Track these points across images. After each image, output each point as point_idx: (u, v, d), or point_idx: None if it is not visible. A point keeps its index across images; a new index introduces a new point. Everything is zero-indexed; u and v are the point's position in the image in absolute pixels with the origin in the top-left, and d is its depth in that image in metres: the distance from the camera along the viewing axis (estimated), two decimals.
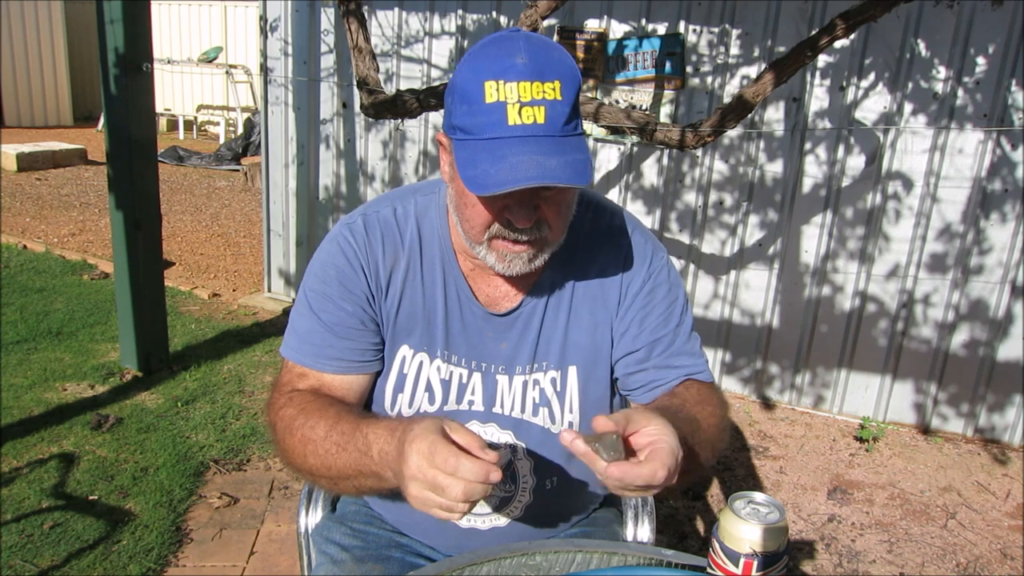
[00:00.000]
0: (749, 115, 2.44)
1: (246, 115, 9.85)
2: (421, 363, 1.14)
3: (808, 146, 3.29)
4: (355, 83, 2.78)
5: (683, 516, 2.66)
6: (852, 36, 2.88)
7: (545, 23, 2.63)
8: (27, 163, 7.60)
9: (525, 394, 1.14)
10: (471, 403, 1.14)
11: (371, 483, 0.97)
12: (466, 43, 3.67)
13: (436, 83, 3.45)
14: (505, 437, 1.15)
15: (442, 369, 1.14)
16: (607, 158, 3.62)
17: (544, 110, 0.92)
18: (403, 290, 1.12)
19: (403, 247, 1.12)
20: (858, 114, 3.19)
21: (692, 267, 3.60)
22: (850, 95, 3.18)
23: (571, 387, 1.15)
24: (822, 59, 3.15)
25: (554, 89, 0.93)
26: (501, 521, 1.18)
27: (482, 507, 1.17)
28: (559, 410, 1.15)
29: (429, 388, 1.14)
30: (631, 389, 1.18)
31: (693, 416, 1.04)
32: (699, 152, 3.43)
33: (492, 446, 0.98)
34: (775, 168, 3.36)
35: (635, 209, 3.62)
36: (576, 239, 1.14)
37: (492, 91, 0.92)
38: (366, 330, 1.11)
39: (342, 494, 1.31)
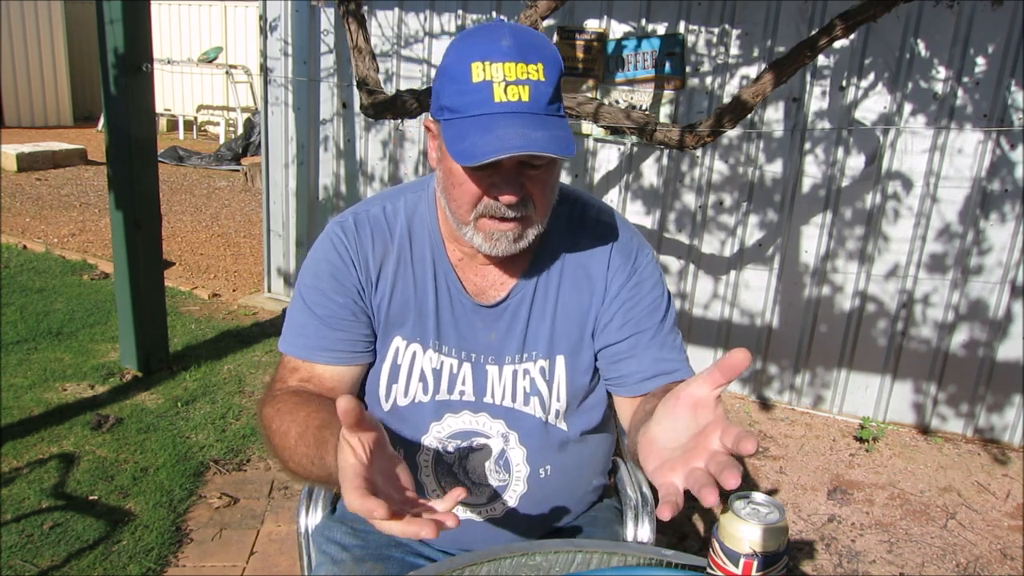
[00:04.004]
0: (749, 115, 2.44)
1: (246, 115, 9.84)
2: (415, 353, 1.16)
3: (808, 146, 3.29)
4: (355, 83, 2.78)
5: (683, 516, 2.66)
6: (852, 36, 2.88)
7: (545, 23, 2.63)
8: (27, 163, 7.59)
9: (515, 383, 1.16)
10: (462, 393, 1.16)
11: None
12: None
13: None
14: (497, 426, 1.16)
15: (434, 359, 1.16)
16: (607, 158, 3.62)
17: (528, 89, 0.97)
18: (394, 282, 1.14)
19: (393, 242, 1.15)
20: (858, 114, 3.19)
21: (692, 267, 3.60)
22: (850, 95, 3.18)
23: (559, 376, 1.17)
24: (822, 59, 3.15)
25: (537, 71, 0.98)
26: (497, 511, 1.19)
27: (477, 498, 1.18)
28: (548, 399, 1.17)
29: (423, 378, 1.16)
30: (612, 380, 1.19)
31: None
32: (699, 152, 3.43)
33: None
34: (775, 168, 3.36)
35: (635, 209, 3.62)
36: (562, 231, 1.17)
37: (479, 71, 0.97)
38: (358, 322, 1.14)
39: None
